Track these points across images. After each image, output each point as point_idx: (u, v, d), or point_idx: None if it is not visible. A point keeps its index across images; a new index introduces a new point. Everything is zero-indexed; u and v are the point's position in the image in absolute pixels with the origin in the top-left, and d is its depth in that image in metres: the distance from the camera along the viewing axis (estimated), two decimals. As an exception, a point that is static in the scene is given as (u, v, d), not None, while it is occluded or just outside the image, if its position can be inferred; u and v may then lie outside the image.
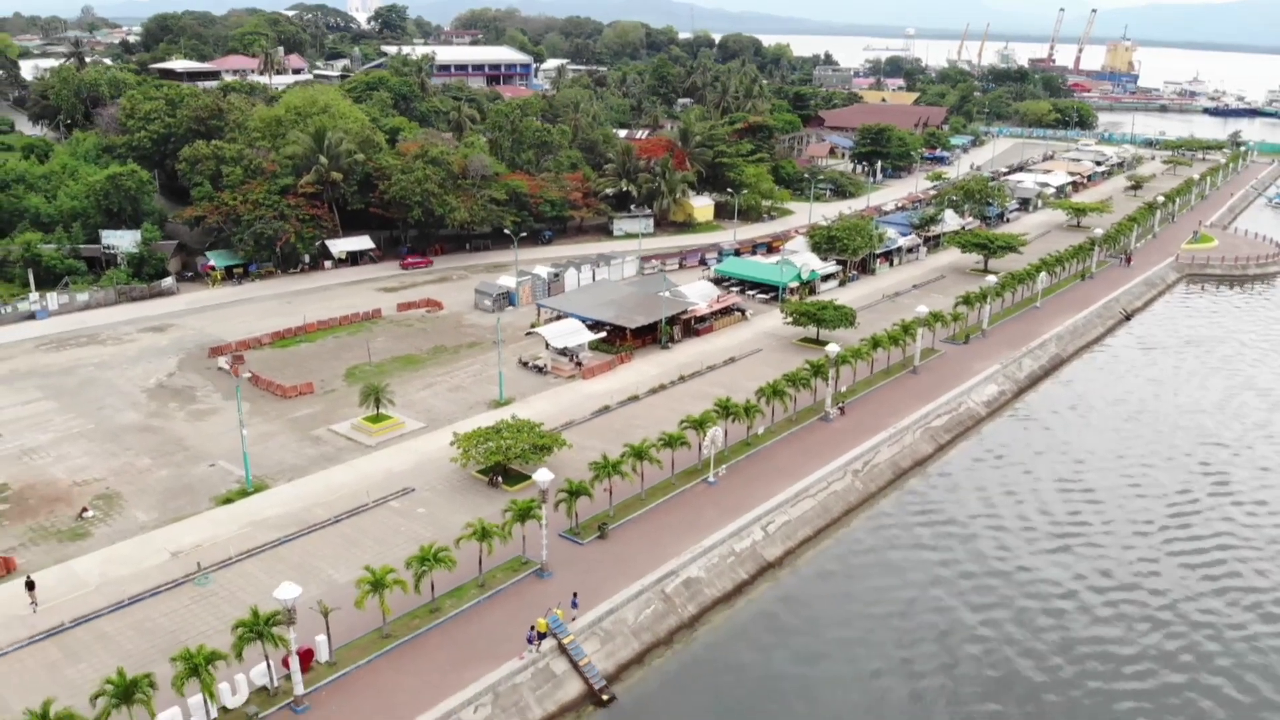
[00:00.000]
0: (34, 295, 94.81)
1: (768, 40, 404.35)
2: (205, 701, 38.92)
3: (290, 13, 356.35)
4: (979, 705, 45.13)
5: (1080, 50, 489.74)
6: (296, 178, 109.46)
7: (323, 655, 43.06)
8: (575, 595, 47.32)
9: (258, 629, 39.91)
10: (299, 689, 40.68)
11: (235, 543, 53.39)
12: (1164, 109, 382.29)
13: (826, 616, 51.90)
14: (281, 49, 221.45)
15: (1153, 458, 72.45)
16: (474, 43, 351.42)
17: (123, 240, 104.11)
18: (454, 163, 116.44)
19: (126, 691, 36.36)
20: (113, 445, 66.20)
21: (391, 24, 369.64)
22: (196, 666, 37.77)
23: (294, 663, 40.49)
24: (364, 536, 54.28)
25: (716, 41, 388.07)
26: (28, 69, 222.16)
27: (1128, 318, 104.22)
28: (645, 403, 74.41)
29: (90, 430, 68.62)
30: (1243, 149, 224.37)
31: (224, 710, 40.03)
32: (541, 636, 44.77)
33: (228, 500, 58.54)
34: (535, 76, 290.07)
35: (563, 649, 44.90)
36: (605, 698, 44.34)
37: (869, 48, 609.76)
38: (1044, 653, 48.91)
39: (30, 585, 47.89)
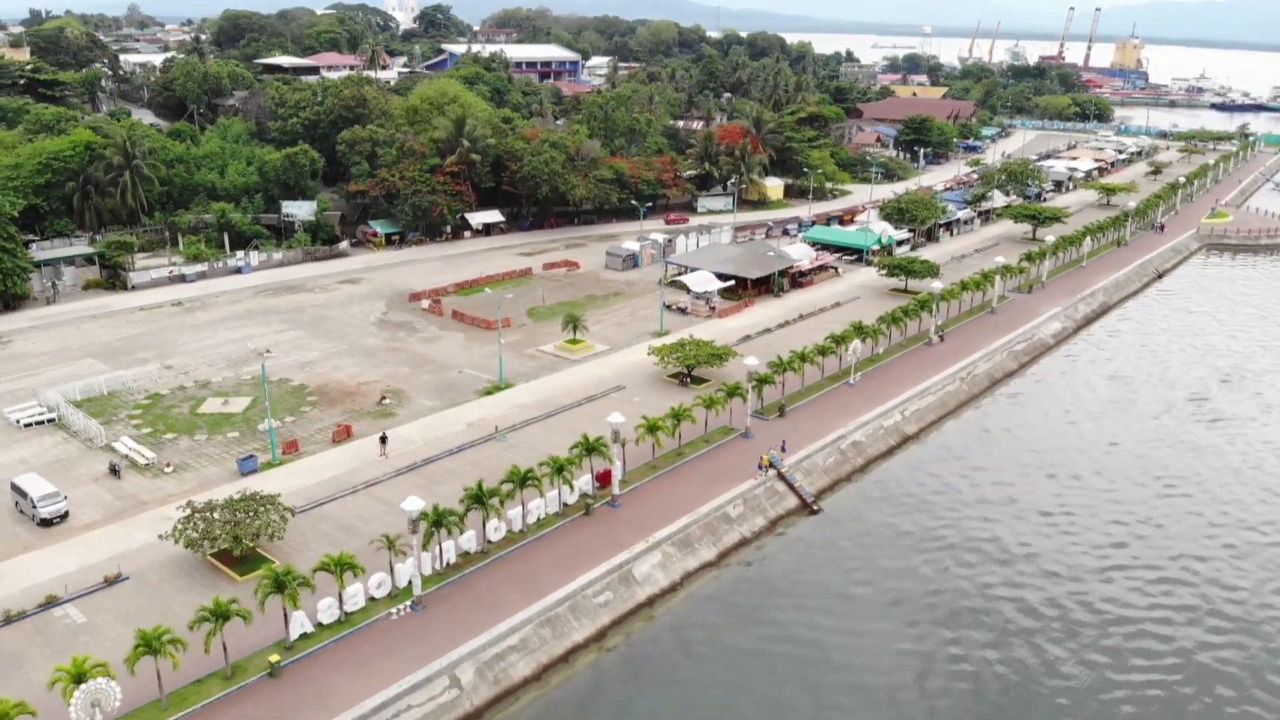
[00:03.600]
0: (240, 253, 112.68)
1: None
2: (560, 491, 56.71)
3: (331, 11, 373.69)
4: (1036, 494, 63.65)
5: (1089, 48, 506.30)
6: (441, 158, 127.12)
7: (617, 475, 60.67)
8: (784, 442, 65.33)
9: (590, 446, 57.73)
10: (615, 489, 58.55)
11: (511, 416, 71.26)
12: (1173, 104, 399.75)
13: (955, 466, 70.21)
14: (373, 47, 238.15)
15: (1179, 361, 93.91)
16: (518, 40, 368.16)
17: (300, 210, 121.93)
18: (570, 147, 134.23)
19: (523, 479, 54.10)
20: (371, 360, 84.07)
21: (436, 23, 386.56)
22: (561, 467, 55.57)
23: (615, 469, 58.33)
24: (603, 413, 71.55)
25: (743, 39, 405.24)
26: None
27: (1159, 276, 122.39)
28: (777, 334, 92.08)
29: (346, 350, 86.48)
30: (1250, 140, 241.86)
31: (565, 505, 57.72)
32: (765, 468, 62.60)
33: (489, 392, 76.50)
34: (581, 73, 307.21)
35: (781, 476, 62.80)
36: (815, 508, 62.28)
37: (876, 45, 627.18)
38: (1088, 464, 67.42)
39: (384, 439, 65.67)
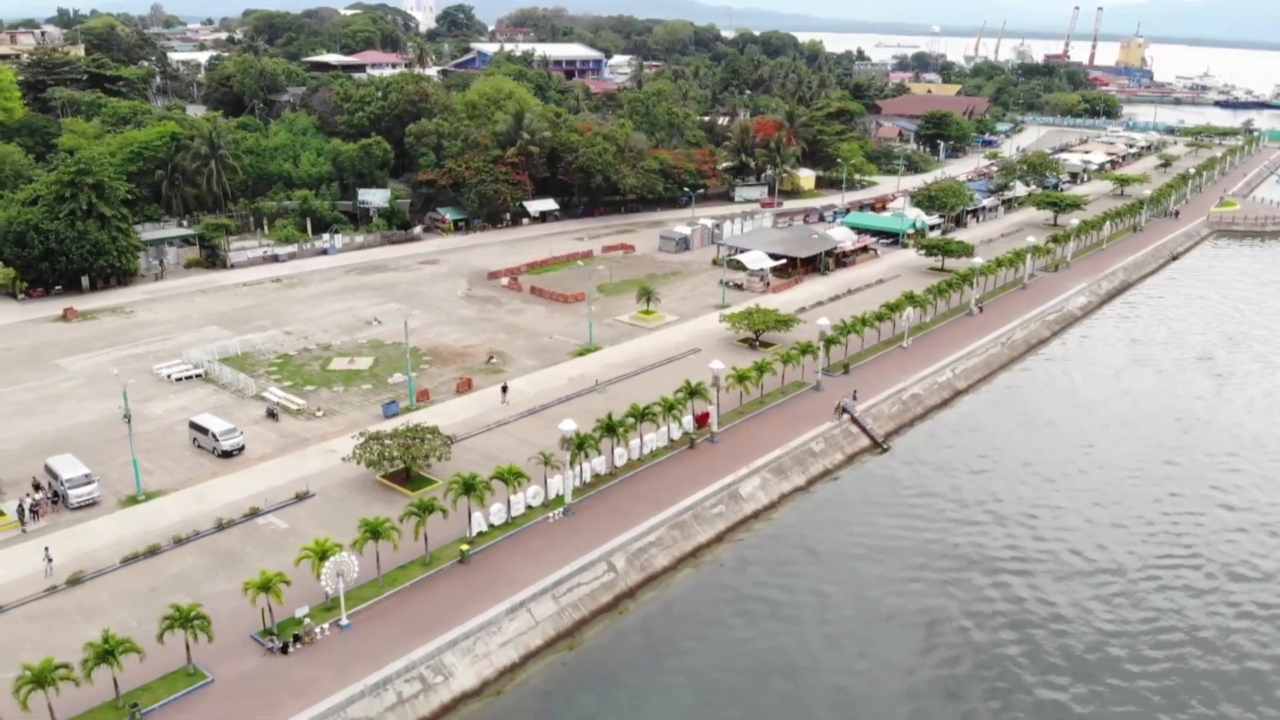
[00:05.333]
0: (325, 236, 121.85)
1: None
2: (669, 427, 65.82)
3: (355, 12, 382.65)
4: (1069, 435, 73.03)
5: (1094, 47, 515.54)
6: (502, 150, 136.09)
7: (714, 416, 69.70)
8: (855, 391, 74.49)
9: (692, 390, 66.81)
10: (714, 427, 67.67)
11: (606, 373, 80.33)
12: (1178, 102, 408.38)
13: (1000, 415, 79.96)
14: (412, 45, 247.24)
15: (1191, 329, 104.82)
16: (535, 40, 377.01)
17: (374, 197, 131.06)
18: (620, 139, 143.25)
19: (642, 414, 63.20)
20: (469, 328, 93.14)
21: (458, 23, 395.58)
22: (672, 405, 64.69)
23: (713, 411, 67.41)
24: (686, 371, 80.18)
25: (756, 37, 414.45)
26: None
27: (1174, 258, 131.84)
28: (829, 306, 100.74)
29: (444, 319, 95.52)
30: (1255, 136, 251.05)
31: (671, 440, 66.78)
32: (839, 412, 71.73)
33: (580, 354, 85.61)
34: (604, 71, 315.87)
35: (855, 420, 71.94)
36: (884, 447, 71.49)
37: (881, 44, 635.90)
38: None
39: (504, 389, 74.88)
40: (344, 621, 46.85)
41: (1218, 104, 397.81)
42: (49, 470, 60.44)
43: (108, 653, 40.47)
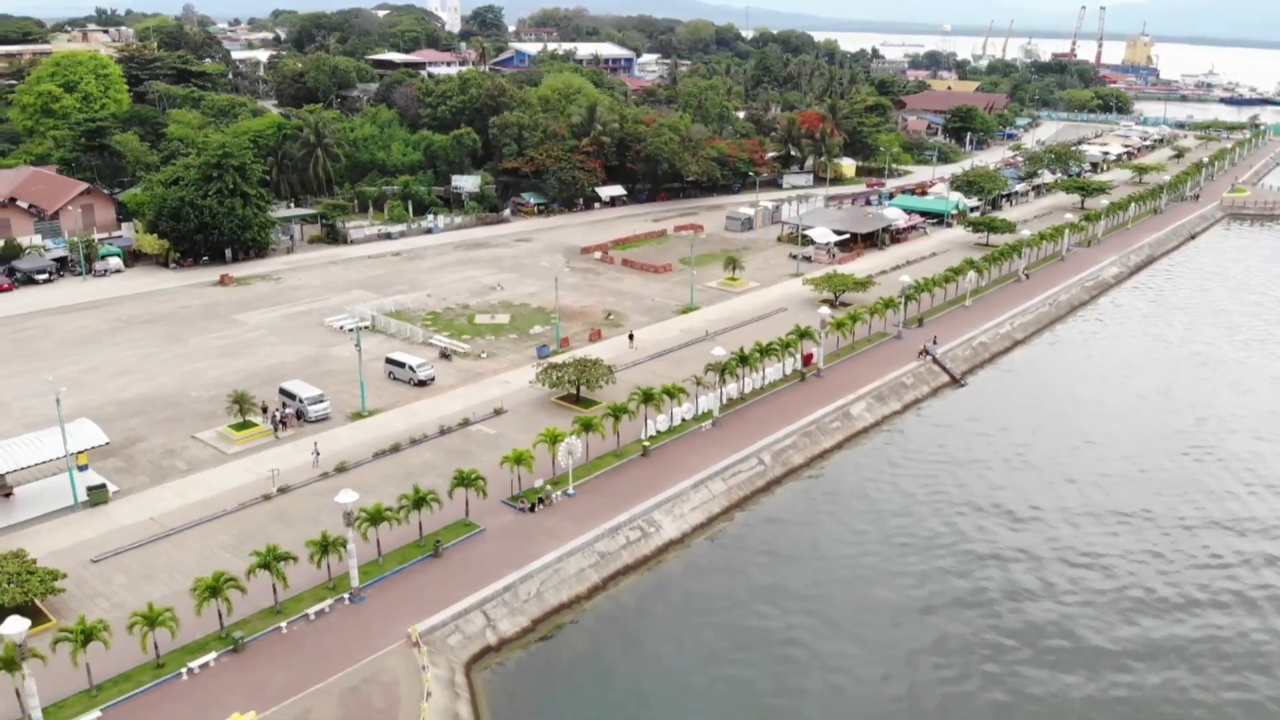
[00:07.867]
0: (430, 216, 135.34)
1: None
2: (784, 363, 79.29)
3: (384, 13, 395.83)
4: (1108, 371, 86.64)
5: (1100, 45, 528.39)
6: (577, 140, 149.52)
7: (819, 356, 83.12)
8: (935, 336, 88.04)
9: (801, 334, 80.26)
10: (820, 364, 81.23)
11: (711, 326, 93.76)
12: (1184, 99, 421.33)
13: (1052, 358, 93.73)
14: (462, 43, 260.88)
15: (1210, 292, 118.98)
16: (562, 39, 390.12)
17: (466, 183, 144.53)
18: (683, 130, 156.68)
19: (765, 350, 76.60)
20: (579, 292, 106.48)
21: (487, 23, 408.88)
22: (788, 344, 78.18)
23: (819, 351, 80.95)
24: (776, 325, 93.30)
25: (775, 35, 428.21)
26: None
27: (1192, 237, 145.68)
28: (891, 275, 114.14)
29: (555, 286, 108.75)
30: (1261, 130, 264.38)
31: (785, 375, 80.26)
32: (922, 354, 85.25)
33: (683, 312, 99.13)
34: (634, 69, 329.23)
35: (936, 360, 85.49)
36: (961, 382, 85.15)
37: (886, 43, 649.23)
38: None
39: (631, 336, 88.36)
40: (570, 491, 60.36)
41: (1223, 100, 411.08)
42: (284, 392, 73.83)
43: (420, 500, 53.94)
